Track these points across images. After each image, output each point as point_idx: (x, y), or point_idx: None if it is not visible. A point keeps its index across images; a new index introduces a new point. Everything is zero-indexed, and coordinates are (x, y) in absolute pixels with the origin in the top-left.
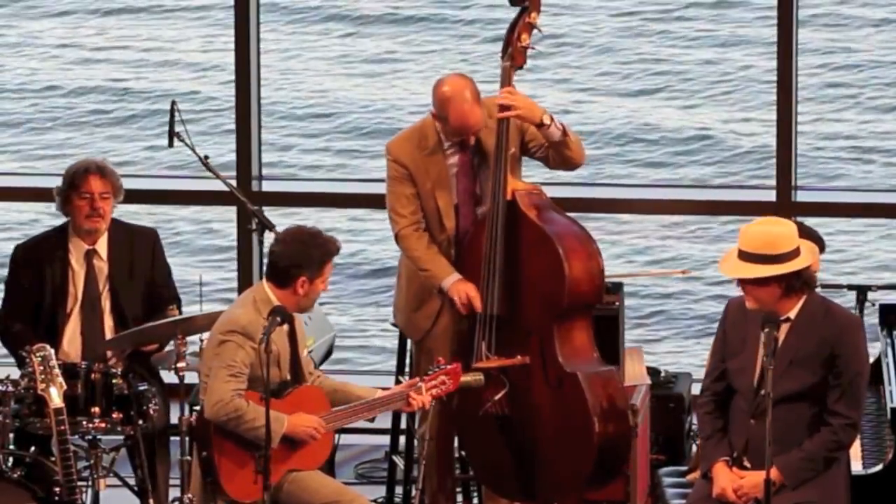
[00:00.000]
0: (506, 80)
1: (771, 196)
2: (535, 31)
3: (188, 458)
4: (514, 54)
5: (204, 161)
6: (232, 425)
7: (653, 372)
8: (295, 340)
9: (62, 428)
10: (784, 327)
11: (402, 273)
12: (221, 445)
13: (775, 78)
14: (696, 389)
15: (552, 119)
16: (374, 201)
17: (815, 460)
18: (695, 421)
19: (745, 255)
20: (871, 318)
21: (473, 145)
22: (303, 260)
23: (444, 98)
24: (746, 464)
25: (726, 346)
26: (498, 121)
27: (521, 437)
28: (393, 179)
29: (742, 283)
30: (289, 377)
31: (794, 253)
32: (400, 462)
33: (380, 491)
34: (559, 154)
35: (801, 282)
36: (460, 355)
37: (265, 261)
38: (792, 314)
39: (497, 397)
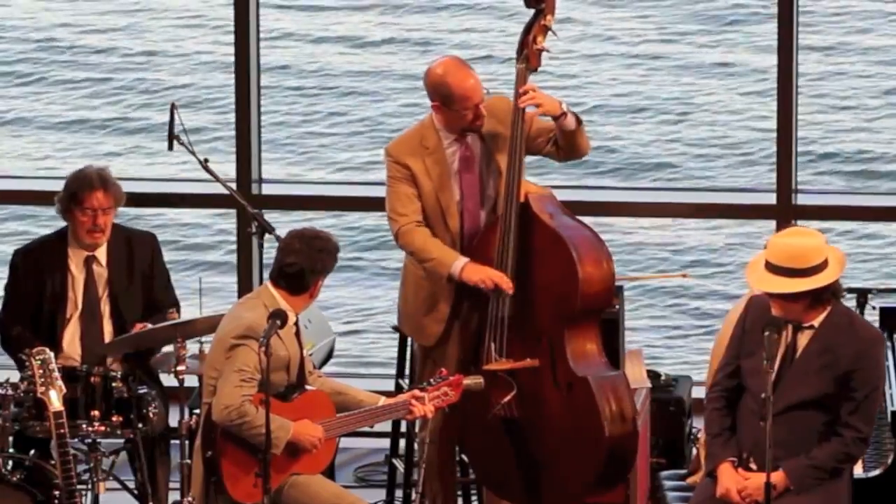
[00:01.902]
0: (520, 83)
1: (771, 199)
2: (549, 33)
3: (188, 461)
4: (529, 56)
5: (204, 164)
6: (237, 430)
7: (653, 375)
8: (301, 343)
9: (62, 431)
10: (807, 334)
11: (408, 278)
12: (226, 447)
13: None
14: (696, 393)
15: (569, 112)
16: (375, 204)
17: (823, 469)
18: (695, 424)
19: (773, 268)
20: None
21: (478, 143)
22: (320, 265)
23: (439, 76)
24: (752, 465)
25: (743, 343)
26: (512, 124)
27: (529, 440)
28: (394, 179)
29: (771, 294)
30: (295, 380)
31: (823, 265)
32: (400, 465)
33: (380, 494)
34: (570, 143)
35: (828, 293)
36: (467, 360)
37: (265, 265)
38: (816, 322)
39: (505, 400)
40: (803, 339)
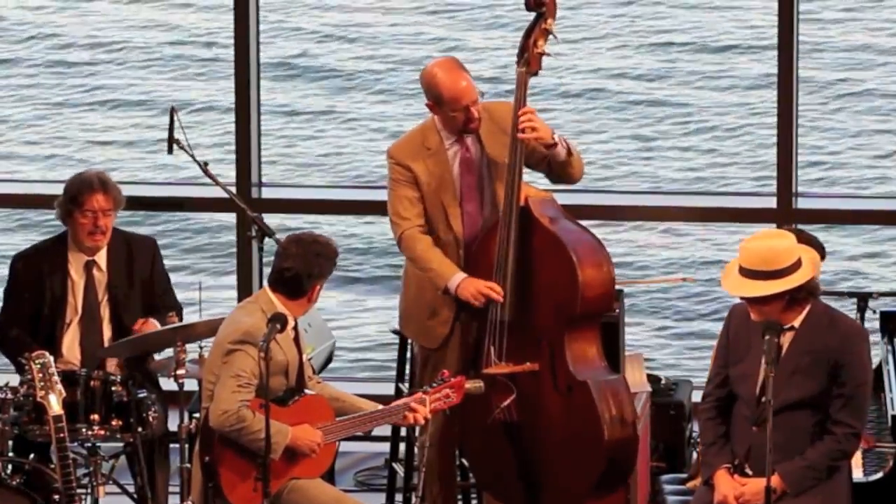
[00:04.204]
0: (521, 86)
1: (772, 203)
2: (550, 36)
3: (188, 465)
4: (529, 60)
5: (203, 168)
6: (235, 435)
7: (653, 379)
8: (300, 347)
9: (61, 435)
10: (788, 335)
11: (411, 281)
12: (224, 452)
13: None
14: (696, 397)
15: (560, 141)
16: (374, 207)
17: (818, 469)
18: (695, 428)
19: (746, 272)
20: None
21: (478, 146)
22: (318, 269)
23: (431, 76)
24: (748, 471)
25: (729, 352)
26: (512, 127)
27: (528, 443)
28: (396, 182)
29: (745, 298)
30: (294, 385)
31: (795, 266)
32: (400, 469)
33: (379, 499)
34: (560, 171)
35: (804, 292)
36: (469, 364)
37: (266, 269)
38: (796, 323)
39: (505, 404)
40: (785, 341)
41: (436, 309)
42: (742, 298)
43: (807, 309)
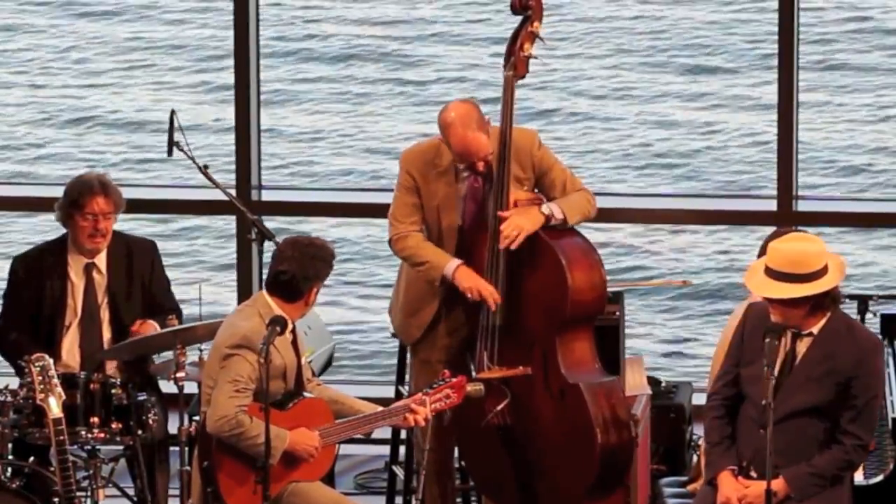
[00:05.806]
0: (508, 90)
1: (772, 205)
2: (537, 39)
3: (188, 468)
4: (516, 64)
5: (203, 170)
6: (233, 440)
7: (653, 382)
8: (298, 350)
9: (61, 438)
10: (805, 341)
11: (401, 275)
12: (223, 456)
13: None
14: (696, 399)
15: (552, 214)
16: (373, 210)
17: (824, 477)
18: (696, 431)
19: (772, 273)
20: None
21: (486, 173)
22: (314, 272)
23: (446, 124)
24: (753, 473)
25: (743, 352)
26: (501, 132)
27: (523, 447)
28: (402, 186)
29: (770, 300)
30: (293, 388)
31: (823, 271)
32: (400, 472)
33: (379, 501)
34: None
35: (829, 299)
36: (453, 366)
37: (265, 272)
38: (815, 329)
39: (499, 408)
40: (802, 347)
41: (417, 309)
42: (766, 299)
43: (827, 316)
